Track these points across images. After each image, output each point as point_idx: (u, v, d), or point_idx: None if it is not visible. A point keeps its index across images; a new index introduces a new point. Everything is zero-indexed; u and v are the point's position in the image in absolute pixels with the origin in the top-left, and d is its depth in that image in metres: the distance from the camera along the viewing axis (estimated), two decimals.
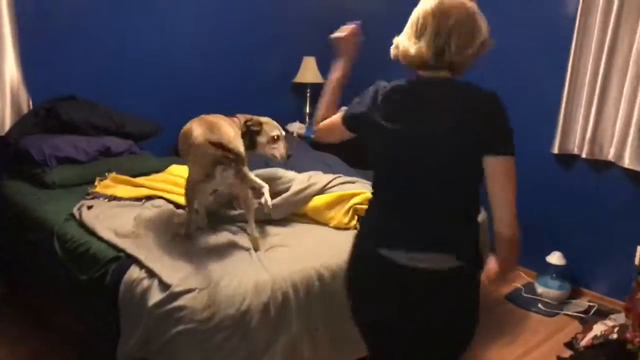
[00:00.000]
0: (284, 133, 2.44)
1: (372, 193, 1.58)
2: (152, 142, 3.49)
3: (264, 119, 2.41)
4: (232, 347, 1.76)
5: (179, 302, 1.71)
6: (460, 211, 1.46)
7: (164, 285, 1.76)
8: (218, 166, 1.98)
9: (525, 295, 3.44)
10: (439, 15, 1.39)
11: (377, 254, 1.45)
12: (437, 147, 1.39)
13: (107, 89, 3.42)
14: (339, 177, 2.67)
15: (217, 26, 3.97)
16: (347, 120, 1.60)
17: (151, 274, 1.84)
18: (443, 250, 1.42)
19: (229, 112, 3.92)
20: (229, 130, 2.17)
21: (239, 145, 2.09)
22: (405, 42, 1.46)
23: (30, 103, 3.11)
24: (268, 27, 4.25)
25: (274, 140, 2.36)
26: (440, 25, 1.39)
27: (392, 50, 1.53)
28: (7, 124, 3.03)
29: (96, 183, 2.89)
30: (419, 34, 1.42)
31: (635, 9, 2.97)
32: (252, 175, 2.09)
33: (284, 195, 2.41)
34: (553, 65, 3.36)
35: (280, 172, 2.63)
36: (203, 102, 3.93)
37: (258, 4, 4.17)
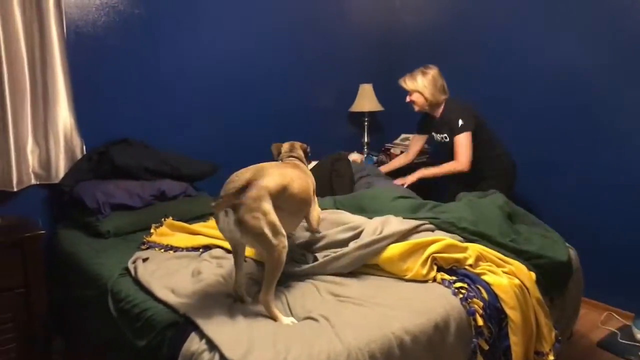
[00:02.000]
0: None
1: None
2: (209, 182, 3.35)
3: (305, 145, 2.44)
4: None
5: None
6: None
7: None
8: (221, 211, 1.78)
9: (621, 341, 3.05)
10: None
11: None
12: None
13: (159, 130, 3.33)
14: (423, 224, 2.42)
15: (269, 57, 3.83)
16: None
17: (212, 345, 1.64)
18: None
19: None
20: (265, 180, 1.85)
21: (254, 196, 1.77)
22: None
23: (84, 148, 3.04)
24: (323, 55, 4.09)
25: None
26: None
27: None
28: (62, 171, 2.96)
29: (152, 230, 2.76)
30: None
31: None
32: (268, 232, 1.76)
33: (351, 247, 2.17)
34: None
35: (346, 216, 2.41)
36: (259, 137, 3.80)
37: (312, 33, 4.01)
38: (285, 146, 2.39)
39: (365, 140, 4.25)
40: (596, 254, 3.28)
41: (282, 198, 1.90)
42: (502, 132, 3.33)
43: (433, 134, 3.45)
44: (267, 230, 1.75)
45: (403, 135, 4.12)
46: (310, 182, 2.21)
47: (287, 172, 2.02)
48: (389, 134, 4.23)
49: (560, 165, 3.50)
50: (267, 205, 1.78)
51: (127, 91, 3.26)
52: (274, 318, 1.80)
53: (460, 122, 3.17)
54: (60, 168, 2.97)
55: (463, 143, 3.16)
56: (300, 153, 2.37)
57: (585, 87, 3.30)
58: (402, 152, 3.84)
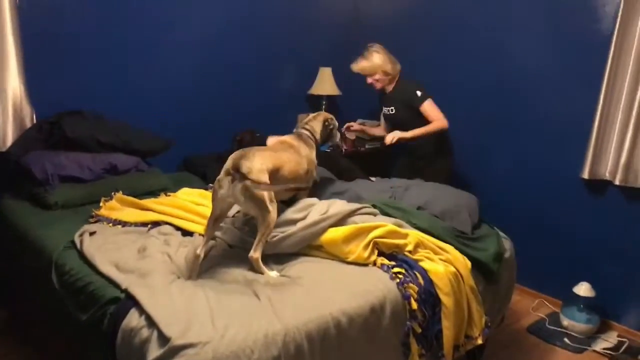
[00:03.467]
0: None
1: None
2: (161, 158, 3.35)
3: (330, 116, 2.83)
4: None
5: (180, 359, 1.55)
6: None
7: (164, 338, 1.60)
8: (227, 177, 2.06)
9: (549, 327, 3.25)
10: None
11: None
12: None
13: (115, 103, 3.29)
14: (365, 207, 2.50)
15: (230, 38, 3.82)
16: None
17: (151, 321, 1.68)
18: None
19: (244, 124, 3.82)
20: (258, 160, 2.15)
21: (256, 172, 2.07)
22: None
23: (34, 117, 2.98)
24: (283, 38, 4.09)
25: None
26: None
27: None
28: (10, 139, 2.90)
29: (101, 204, 2.75)
30: None
31: None
32: (266, 199, 2.07)
33: (298, 227, 2.23)
34: (586, 87, 3.17)
35: (305, 201, 2.46)
36: (216, 116, 3.81)
37: (271, 16, 4.01)
38: (309, 117, 2.81)
39: None
40: (531, 242, 3.48)
41: (276, 177, 2.23)
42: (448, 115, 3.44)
43: (383, 108, 3.59)
44: (266, 198, 2.05)
45: (360, 120, 4.19)
46: (302, 163, 2.49)
47: (282, 156, 2.34)
48: (346, 119, 4.29)
49: (496, 150, 3.72)
50: (266, 178, 2.12)
51: (84, 61, 3.20)
52: (261, 272, 2.06)
53: (419, 92, 3.32)
54: (8, 136, 2.91)
55: (431, 107, 3.32)
56: (314, 126, 2.74)
57: (522, 76, 3.49)
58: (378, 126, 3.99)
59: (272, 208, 2.09)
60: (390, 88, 3.51)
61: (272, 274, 2.07)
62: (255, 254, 2.06)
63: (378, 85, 3.49)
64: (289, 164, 2.38)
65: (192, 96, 3.70)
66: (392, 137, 3.33)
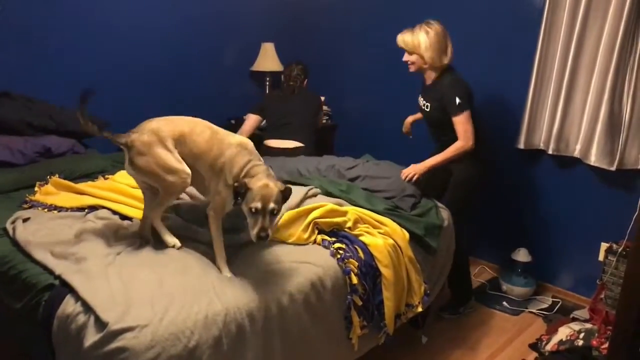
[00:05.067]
0: (272, 207, 1.79)
1: None
2: (98, 139, 3.23)
3: (256, 184, 1.80)
4: None
5: (118, 343, 1.54)
6: None
7: (101, 323, 1.59)
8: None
9: (489, 292, 3.40)
10: None
11: None
12: None
13: (45, 83, 3.14)
14: (310, 188, 2.53)
15: (169, 12, 3.71)
16: None
17: (87, 307, 1.66)
18: None
19: (185, 102, 3.75)
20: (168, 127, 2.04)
21: (140, 142, 2.00)
22: None
23: None
24: (224, 13, 4.00)
25: (251, 212, 1.79)
26: None
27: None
28: None
29: (36, 189, 2.66)
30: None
31: (603, 5, 2.88)
32: (160, 172, 2.00)
33: None
34: (520, 59, 3.27)
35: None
36: (156, 93, 3.72)
37: None
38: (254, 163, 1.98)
39: None
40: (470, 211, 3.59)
41: (183, 146, 2.03)
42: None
43: (420, 96, 3.07)
44: (159, 171, 1.98)
45: None
46: (218, 153, 2.00)
47: (193, 124, 2.08)
48: None
49: None
50: (159, 150, 1.98)
51: (9, 39, 3.04)
52: (162, 235, 2.09)
53: (458, 100, 2.77)
54: None
55: (463, 121, 2.79)
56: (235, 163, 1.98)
57: (458, 50, 3.51)
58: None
59: (176, 178, 1.98)
60: (430, 79, 2.95)
61: (172, 241, 2.08)
62: (151, 212, 2.08)
63: (411, 68, 2.93)
64: (202, 136, 2.03)
65: (130, 73, 3.59)
66: (407, 173, 2.83)
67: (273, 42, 4.15)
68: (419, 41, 2.83)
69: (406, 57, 2.91)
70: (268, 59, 4.12)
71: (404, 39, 2.88)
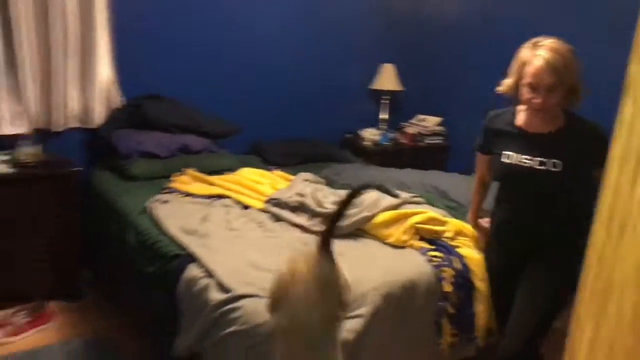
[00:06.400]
0: None
1: None
2: (234, 142, 3.65)
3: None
4: None
5: (238, 303, 1.80)
6: None
7: (222, 287, 1.86)
8: None
9: None
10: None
11: None
12: None
13: (191, 89, 3.59)
14: (415, 196, 2.69)
15: (298, 32, 4.04)
16: None
17: (209, 274, 1.94)
18: None
19: (306, 116, 4.05)
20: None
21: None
22: None
23: (121, 100, 3.33)
24: (347, 34, 4.27)
25: None
26: None
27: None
28: (99, 118, 3.27)
29: (173, 178, 3.07)
30: None
31: None
32: None
33: (354, 220, 2.40)
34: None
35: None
36: (281, 106, 4.07)
37: (337, 11, 4.19)
38: None
39: (383, 117, 4.41)
40: None
41: None
42: None
43: (514, 154, 1.97)
44: None
45: (419, 116, 4.30)
46: None
47: None
48: (406, 114, 4.40)
49: None
50: None
51: (164, 50, 3.53)
52: None
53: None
54: (100, 117, 3.27)
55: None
56: None
57: None
58: None
59: None
60: (547, 124, 1.95)
61: None
62: None
63: (548, 104, 1.85)
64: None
65: (260, 87, 3.95)
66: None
67: (393, 63, 4.32)
68: (574, 66, 1.84)
69: (545, 95, 1.82)
70: (387, 79, 4.29)
71: (555, 64, 1.79)
